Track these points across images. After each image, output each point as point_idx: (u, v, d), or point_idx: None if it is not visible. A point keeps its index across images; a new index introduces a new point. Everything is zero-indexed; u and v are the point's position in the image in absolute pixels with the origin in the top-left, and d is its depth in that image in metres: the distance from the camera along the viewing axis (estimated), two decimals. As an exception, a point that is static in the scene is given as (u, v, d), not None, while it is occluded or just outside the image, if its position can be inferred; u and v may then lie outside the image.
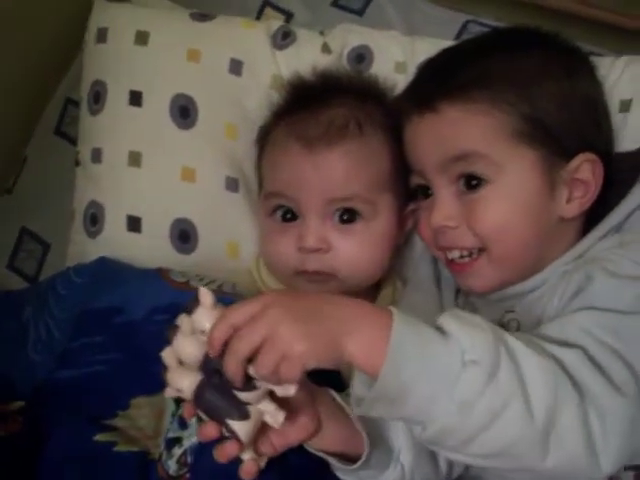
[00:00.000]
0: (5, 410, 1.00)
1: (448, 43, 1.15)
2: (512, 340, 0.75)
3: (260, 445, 0.80)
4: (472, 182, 0.93)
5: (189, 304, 0.78)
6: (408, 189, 1.05)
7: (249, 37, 1.24)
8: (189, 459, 0.89)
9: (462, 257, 0.96)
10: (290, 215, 1.07)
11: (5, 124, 1.36)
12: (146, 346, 0.98)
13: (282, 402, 0.78)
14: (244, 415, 0.77)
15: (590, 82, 1.02)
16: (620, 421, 0.75)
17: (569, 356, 0.77)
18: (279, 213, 1.08)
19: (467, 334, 0.74)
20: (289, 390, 0.75)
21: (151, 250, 1.15)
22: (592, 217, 0.96)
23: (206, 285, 1.04)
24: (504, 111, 0.92)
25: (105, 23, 1.24)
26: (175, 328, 0.79)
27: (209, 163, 1.18)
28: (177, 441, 0.91)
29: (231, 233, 1.18)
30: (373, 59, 1.23)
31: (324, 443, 0.85)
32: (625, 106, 1.09)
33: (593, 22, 1.29)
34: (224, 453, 0.78)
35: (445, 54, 1.04)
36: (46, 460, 0.94)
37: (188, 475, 0.89)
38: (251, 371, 0.74)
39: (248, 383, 0.75)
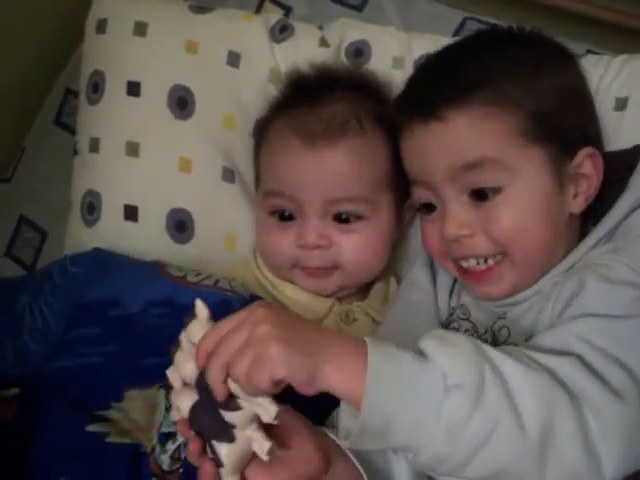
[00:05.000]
0: (0, 397, 0.95)
1: (446, 40, 1.10)
2: (497, 356, 0.70)
3: (253, 475, 0.74)
4: (485, 192, 0.87)
5: (187, 319, 0.75)
6: (405, 185, 0.98)
7: (247, 30, 1.18)
8: (182, 454, 0.84)
9: (478, 264, 0.90)
10: (288, 215, 1.02)
11: (4, 114, 1.33)
12: (141, 339, 0.96)
13: (275, 436, 0.73)
14: (229, 438, 0.71)
15: (580, 76, 0.97)
16: (621, 426, 0.70)
17: (563, 364, 0.72)
18: (277, 212, 1.03)
19: (448, 356, 0.69)
20: (270, 413, 0.69)
21: (147, 239, 1.11)
22: (589, 215, 0.92)
23: (203, 280, 1.00)
24: (510, 111, 0.86)
25: (105, 14, 1.19)
26: (177, 346, 0.75)
27: (206, 154, 1.13)
28: (171, 436, 0.86)
29: (228, 224, 1.14)
30: (371, 54, 1.17)
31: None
32: (621, 104, 1.03)
33: (594, 20, 1.24)
34: (203, 471, 0.73)
35: (440, 56, 0.97)
36: (38, 449, 0.90)
37: (181, 470, 0.84)
38: (230, 386, 0.70)
39: (232, 402, 0.71)
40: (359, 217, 1.01)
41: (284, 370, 0.67)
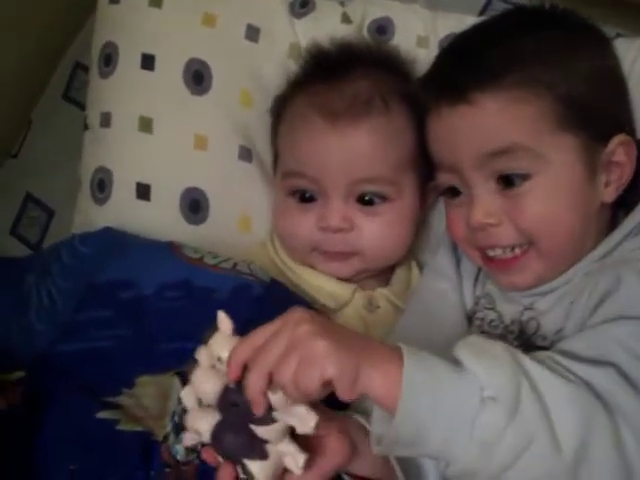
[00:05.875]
0: (5, 380, 0.91)
1: (471, 20, 1.05)
2: (534, 368, 0.67)
3: None
4: (513, 179, 0.83)
5: (207, 334, 0.70)
6: (429, 165, 0.93)
7: (267, 4, 1.14)
8: (198, 446, 0.78)
9: (504, 253, 0.86)
10: (310, 195, 0.98)
11: (11, 88, 1.28)
12: (155, 323, 0.92)
13: (305, 445, 0.69)
14: (262, 454, 0.67)
15: (615, 60, 0.92)
16: None
17: (600, 377, 0.68)
18: (297, 193, 0.99)
19: (485, 368, 0.65)
20: (309, 423, 0.65)
21: (160, 219, 1.07)
22: (620, 205, 0.88)
23: (221, 263, 0.96)
24: (542, 96, 0.82)
25: (118, -17, 1.14)
26: (194, 363, 0.70)
27: (222, 131, 1.09)
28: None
29: (244, 205, 1.10)
30: (394, 32, 1.14)
31: (360, 470, 0.76)
32: None
33: (622, 2, 1.18)
34: None
35: (469, 36, 0.92)
36: (45, 435, 0.85)
37: (197, 461, 0.80)
38: (271, 398, 0.65)
39: (267, 415, 0.66)
40: (383, 199, 0.97)
41: (335, 367, 0.63)
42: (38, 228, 1.25)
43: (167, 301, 0.92)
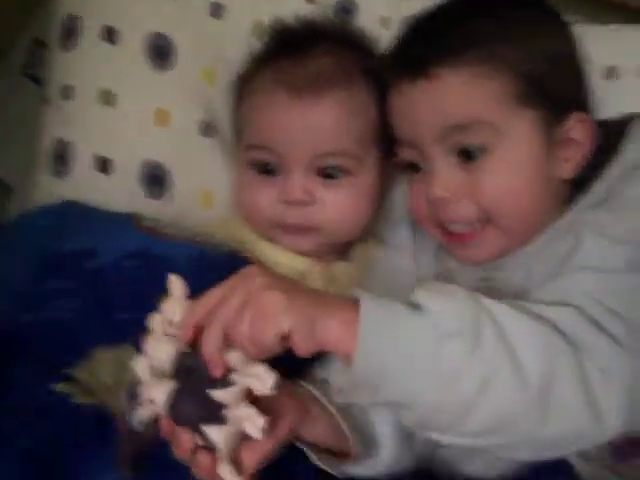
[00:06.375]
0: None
1: (436, 1, 1.07)
2: (494, 304, 0.68)
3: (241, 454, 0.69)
4: (474, 153, 0.84)
5: (160, 300, 0.69)
6: (391, 142, 0.94)
7: (231, -20, 1.14)
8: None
9: (464, 227, 0.87)
10: (271, 168, 0.98)
11: None
12: (113, 294, 0.90)
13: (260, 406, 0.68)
14: (221, 419, 0.66)
15: (573, 43, 0.94)
16: (621, 376, 0.68)
17: (562, 314, 0.70)
18: (259, 166, 0.99)
19: (442, 305, 0.67)
20: (267, 383, 0.64)
21: (121, 193, 1.05)
22: (578, 183, 0.89)
23: (174, 232, 0.95)
24: (502, 72, 0.83)
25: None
26: (147, 333, 0.69)
27: (184, 106, 1.09)
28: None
29: (205, 180, 1.09)
30: (358, 12, 1.15)
31: (308, 437, 0.76)
32: (610, 73, 1.03)
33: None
34: (200, 465, 0.67)
35: (432, 15, 0.93)
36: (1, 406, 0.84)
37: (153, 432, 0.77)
38: (228, 358, 0.65)
39: (224, 378, 0.65)
40: (344, 173, 0.97)
41: (289, 318, 0.63)
42: None
43: (125, 270, 0.91)
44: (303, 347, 0.65)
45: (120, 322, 0.88)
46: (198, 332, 0.66)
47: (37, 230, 0.99)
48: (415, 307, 0.67)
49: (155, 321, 0.69)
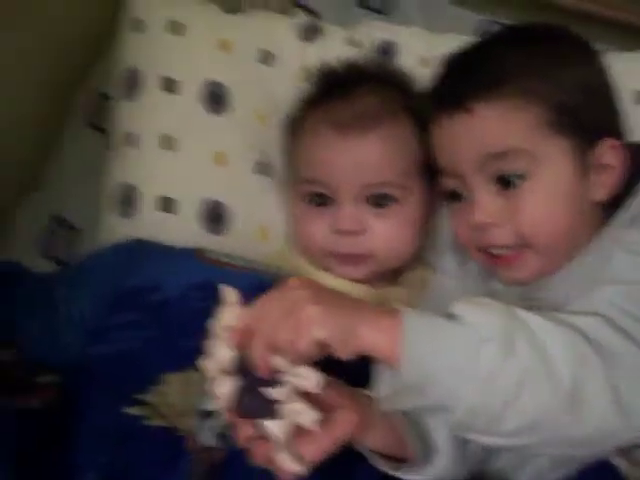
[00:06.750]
0: (38, 382, 0.96)
1: (470, 39, 1.11)
2: (527, 314, 0.72)
3: (301, 447, 0.74)
4: (512, 180, 0.88)
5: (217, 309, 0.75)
6: (434, 173, 0.99)
7: (278, 29, 1.21)
8: (228, 432, 0.84)
9: (505, 250, 0.91)
10: (323, 201, 1.02)
11: (38, 117, 1.31)
12: (179, 322, 0.95)
13: (318, 406, 0.73)
14: (275, 413, 0.72)
15: (603, 71, 0.97)
16: None
17: (590, 323, 0.73)
18: (312, 198, 1.03)
19: (479, 314, 0.71)
20: (312, 381, 0.70)
21: (184, 231, 1.11)
22: (610, 206, 0.92)
23: (237, 263, 1.01)
24: (536, 103, 0.87)
25: (140, 14, 1.20)
26: (209, 337, 0.76)
27: (240, 147, 1.15)
28: (212, 414, 0.86)
29: (261, 216, 1.14)
30: (398, 53, 1.19)
31: (370, 443, 0.81)
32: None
33: (605, 21, 1.26)
34: (258, 452, 0.74)
35: (467, 52, 0.97)
36: (76, 430, 0.90)
37: (225, 446, 0.85)
38: (276, 361, 0.70)
39: (275, 378, 0.71)
40: (392, 201, 1.01)
41: (323, 328, 0.68)
42: (66, 247, 1.27)
43: (191, 301, 0.95)
44: (342, 352, 0.70)
45: (185, 349, 0.90)
46: (249, 336, 0.72)
47: (105, 267, 1.04)
48: (453, 317, 0.72)
49: (215, 326, 0.75)
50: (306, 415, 0.72)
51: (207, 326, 0.76)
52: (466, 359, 0.69)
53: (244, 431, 0.74)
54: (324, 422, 0.73)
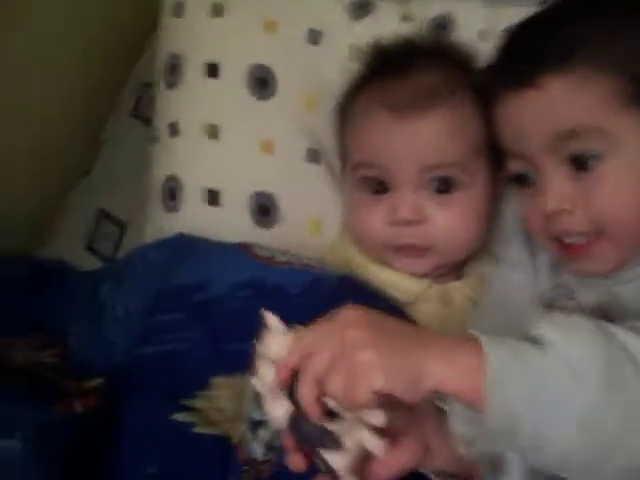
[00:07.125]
0: (83, 386, 0.92)
1: (531, 10, 1.03)
2: (627, 336, 0.63)
3: (365, 474, 0.68)
4: (587, 161, 0.80)
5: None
6: (499, 155, 0.92)
7: (326, 7, 1.14)
8: (277, 442, 0.79)
9: (579, 239, 0.84)
10: (380, 187, 0.96)
11: (80, 109, 1.30)
12: (227, 324, 0.91)
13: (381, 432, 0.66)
14: (336, 444, 0.65)
15: None
16: None
17: None
18: (368, 184, 0.97)
19: (571, 342, 0.62)
20: (377, 418, 0.63)
21: (230, 224, 1.07)
22: None
23: (290, 259, 0.95)
24: (611, 76, 0.79)
25: (180, -3, 1.16)
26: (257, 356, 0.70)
27: (288, 134, 1.10)
28: (262, 424, 0.81)
29: (313, 207, 1.09)
30: (455, 27, 1.12)
31: (435, 464, 0.73)
32: None
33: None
34: None
35: (533, 22, 0.90)
36: (122, 437, 0.86)
37: (275, 459, 0.79)
38: (331, 403, 0.63)
39: (332, 415, 0.64)
40: (455, 187, 0.95)
41: (381, 378, 0.60)
42: (111, 242, 1.26)
43: (238, 301, 0.91)
44: (409, 398, 0.61)
45: (235, 352, 0.87)
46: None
47: (151, 264, 1.01)
48: (538, 342, 0.63)
49: (260, 348, 0.69)
50: (371, 443, 0.64)
51: (254, 329, 0.70)
52: (559, 398, 0.60)
53: (296, 459, 0.67)
54: (390, 448, 0.66)
